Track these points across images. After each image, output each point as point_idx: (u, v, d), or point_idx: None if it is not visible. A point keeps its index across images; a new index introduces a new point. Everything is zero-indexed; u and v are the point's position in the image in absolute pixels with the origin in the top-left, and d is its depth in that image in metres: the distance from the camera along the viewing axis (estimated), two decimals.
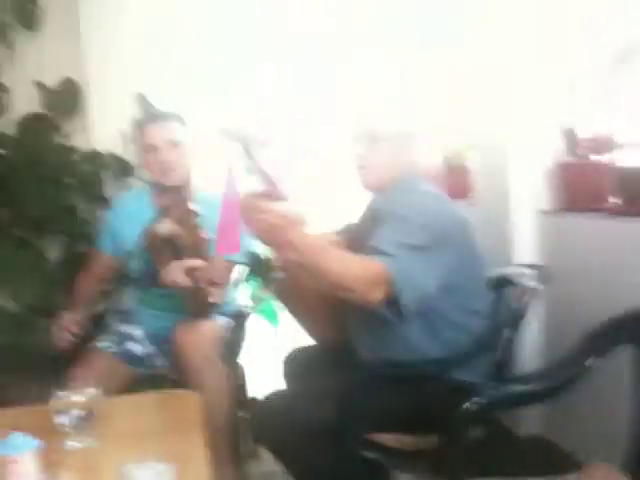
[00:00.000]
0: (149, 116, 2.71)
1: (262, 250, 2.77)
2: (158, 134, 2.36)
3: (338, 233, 2.13)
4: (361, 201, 2.07)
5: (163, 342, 2.34)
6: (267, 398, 1.90)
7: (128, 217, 2.44)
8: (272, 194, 1.44)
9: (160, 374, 2.40)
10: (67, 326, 2.34)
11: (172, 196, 2.29)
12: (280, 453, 1.81)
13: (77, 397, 1.64)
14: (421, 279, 1.66)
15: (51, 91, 3.00)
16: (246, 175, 1.49)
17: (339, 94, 3.44)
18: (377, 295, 1.60)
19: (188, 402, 1.88)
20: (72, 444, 1.63)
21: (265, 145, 1.47)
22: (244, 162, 1.48)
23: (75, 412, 1.62)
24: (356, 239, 1.96)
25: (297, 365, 2.19)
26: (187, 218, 2.18)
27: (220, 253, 1.54)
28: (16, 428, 1.44)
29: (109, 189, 3.07)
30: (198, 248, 2.18)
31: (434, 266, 1.69)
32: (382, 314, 1.67)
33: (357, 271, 1.58)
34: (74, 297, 2.50)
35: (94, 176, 3.02)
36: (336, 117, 3.37)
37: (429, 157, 2.19)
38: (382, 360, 1.89)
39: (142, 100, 3.03)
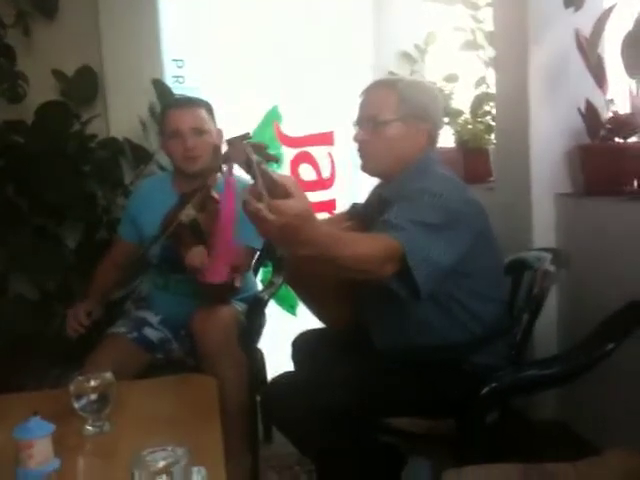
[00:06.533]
0: (176, 101, 2.68)
1: None
2: (184, 119, 2.31)
3: (346, 214, 2.10)
4: None
5: (180, 327, 2.35)
6: (276, 379, 1.89)
7: (149, 203, 2.43)
8: (275, 191, 1.34)
9: (177, 360, 2.40)
10: (79, 317, 2.32)
11: (194, 182, 2.28)
12: (294, 436, 1.80)
13: (94, 382, 1.65)
14: (434, 254, 1.60)
15: (69, 79, 3.01)
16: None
17: None
18: (390, 269, 1.55)
19: (204, 387, 1.89)
20: (89, 429, 1.64)
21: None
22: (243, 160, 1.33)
23: (92, 397, 1.63)
24: (365, 222, 1.93)
25: (306, 347, 2.17)
26: (208, 205, 2.17)
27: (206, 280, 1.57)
28: (34, 413, 1.45)
29: (127, 176, 3.08)
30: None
31: (447, 244, 1.63)
32: (397, 293, 1.63)
33: (369, 250, 1.53)
34: (91, 285, 2.50)
35: (112, 163, 3.03)
36: None
37: (443, 140, 2.14)
38: (398, 345, 1.88)
39: (160, 86, 3.02)
